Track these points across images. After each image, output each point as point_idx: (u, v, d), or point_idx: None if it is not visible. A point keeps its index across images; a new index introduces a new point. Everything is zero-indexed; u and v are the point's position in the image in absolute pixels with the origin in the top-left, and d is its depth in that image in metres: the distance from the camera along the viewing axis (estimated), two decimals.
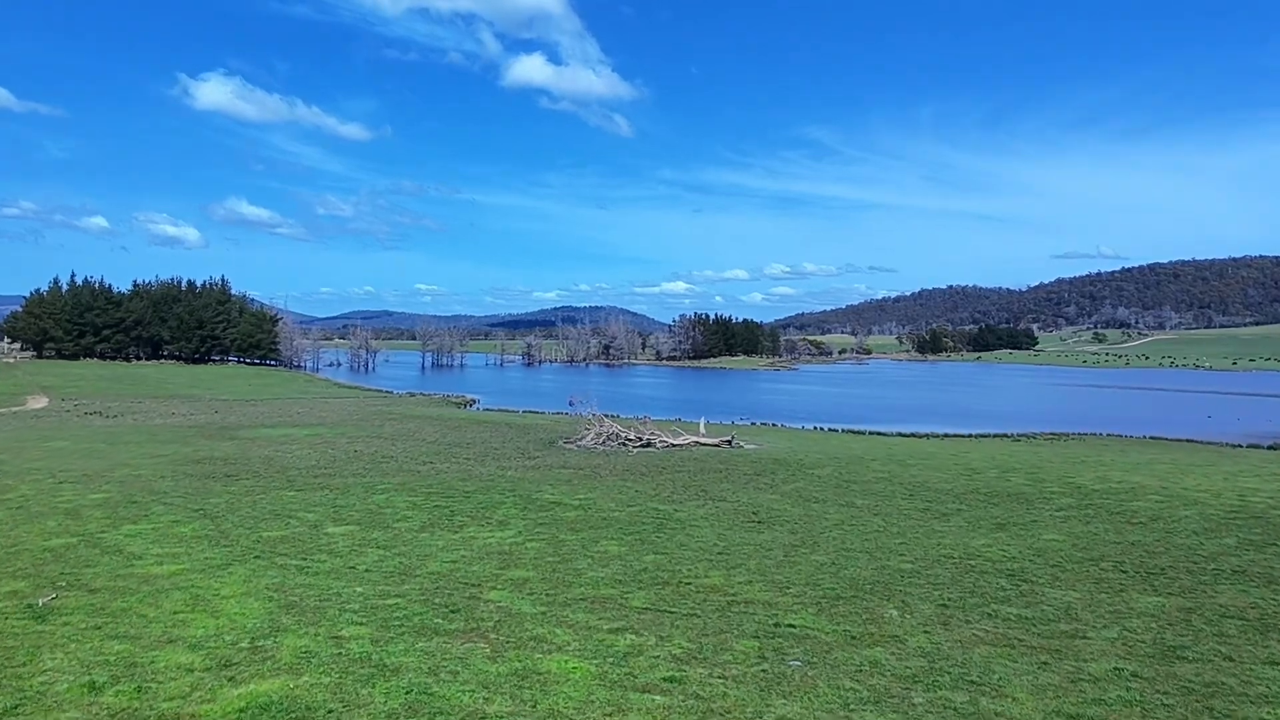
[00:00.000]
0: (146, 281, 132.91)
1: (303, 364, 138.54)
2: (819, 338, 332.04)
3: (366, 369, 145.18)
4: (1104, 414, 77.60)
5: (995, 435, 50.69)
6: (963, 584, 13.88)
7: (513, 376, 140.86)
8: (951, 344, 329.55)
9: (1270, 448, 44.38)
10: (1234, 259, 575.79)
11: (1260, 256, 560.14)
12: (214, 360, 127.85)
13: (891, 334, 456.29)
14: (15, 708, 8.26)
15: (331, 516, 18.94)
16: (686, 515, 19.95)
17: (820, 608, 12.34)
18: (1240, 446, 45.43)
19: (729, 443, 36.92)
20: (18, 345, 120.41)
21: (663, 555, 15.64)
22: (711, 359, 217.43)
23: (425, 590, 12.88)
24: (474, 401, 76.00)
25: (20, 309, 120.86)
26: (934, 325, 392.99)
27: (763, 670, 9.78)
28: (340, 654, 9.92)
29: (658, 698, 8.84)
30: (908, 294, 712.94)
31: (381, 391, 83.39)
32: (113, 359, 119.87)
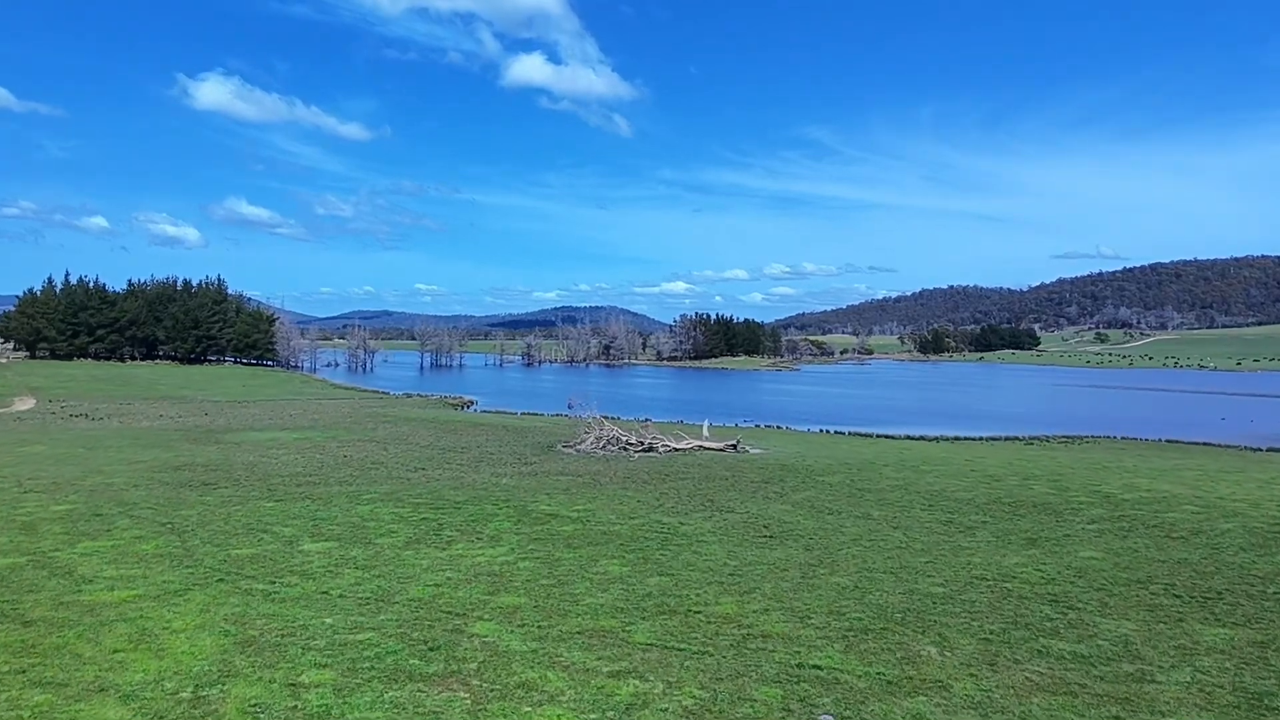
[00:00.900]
0: (142, 281, 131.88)
1: (300, 364, 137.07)
2: (820, 338, 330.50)
3: (364, 369, 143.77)
4: (1114, 416, 76.16)
5: (1006, 438, 49.29)
6: (1003, 612, 12.47)
7: (512, 377, 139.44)
8: (954, 344, 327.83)
9: None
10: (1236, 259, 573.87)
11: (1262, 256, 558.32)
12: (210, 360, 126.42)
13: (892, 334, 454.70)
14: None
15: (310, 531, 17.53)
16: (693, 529, 18.55)
17: (848, 643, 10.93)
18: (1261, 450, 44.04)
19: (734, 447, 35.52)
20: (10, 345, 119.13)
21: (668, 577, 14.23)
22: (712, 359, 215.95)
23: (403, 621, 11.48)
24: (472, 403, 74.59)
25: (14, 308, 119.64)
26: (935, 325, 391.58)
27: None
28: (295, 708, 8.52)
29: None
30: (908, 294, 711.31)
31: (378, 393, 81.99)
32: (107, 359, 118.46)
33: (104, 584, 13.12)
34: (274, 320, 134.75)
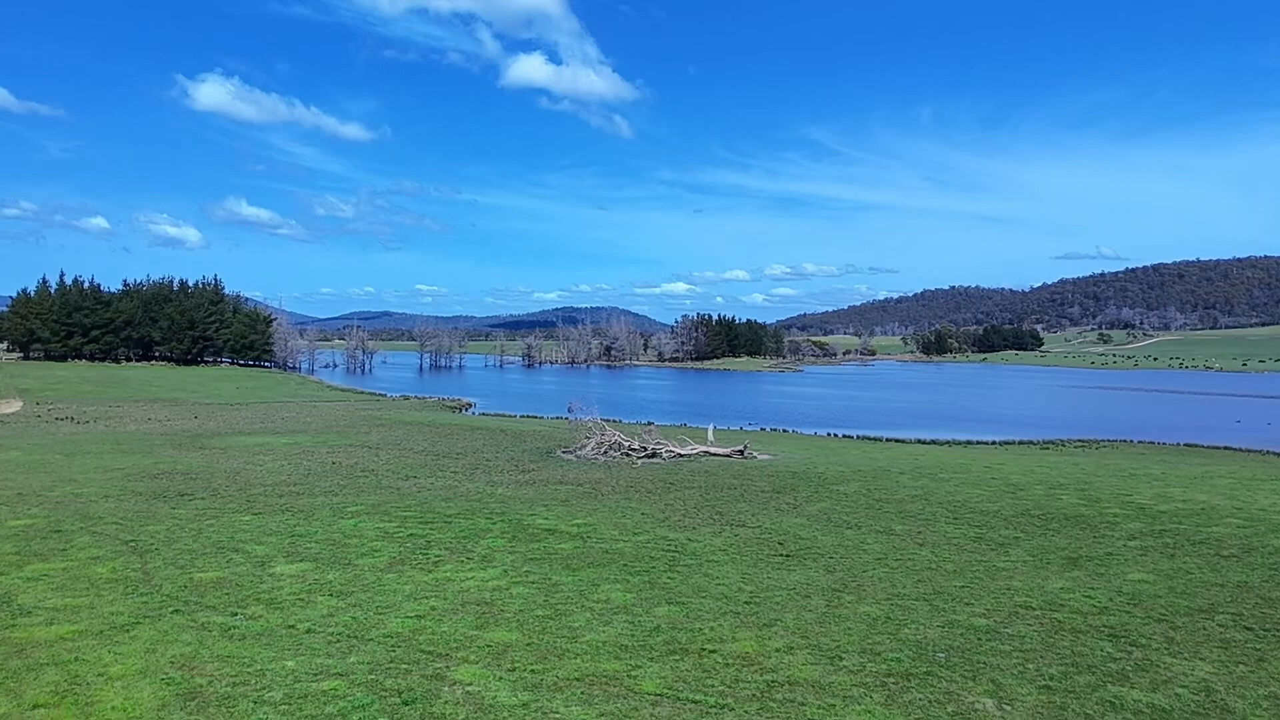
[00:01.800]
0: (138, 281, 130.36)
1: (298, 365, 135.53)
2: (822, 338, 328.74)
3: (363, 370, 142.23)
4: (1126, 418, 74.64)
5: (1020, 442, 47.82)
6: (1059, 650, 11.00)
7: (512, 378, 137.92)
8: (957, 345, 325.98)
9: None
10: (1239, 259, 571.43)
11: (1265, 257, 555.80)
12: (206, 362, 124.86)
13: (894, 335, 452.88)
14: None
15: (285, 550, 16.07)
16: (702, 547, 17.08)
17: (888, 693, 9.46)
18: None
19: (741, 453, 34.06)
20: (4, 346, 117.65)
21: (678, 606, 12.77)
22: (714, 360, 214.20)
23: (376, 665, 10.01)
24: (470, 405, 73.10)
25: (7, 309, 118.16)
26: (937, 326, 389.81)
27: None
28: None
29: None
30: (910, 294, 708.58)
31: (375, 395, 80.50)
32: (102, 360, 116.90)
33: (43, 617, 11.66)
34: (271, 321, 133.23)
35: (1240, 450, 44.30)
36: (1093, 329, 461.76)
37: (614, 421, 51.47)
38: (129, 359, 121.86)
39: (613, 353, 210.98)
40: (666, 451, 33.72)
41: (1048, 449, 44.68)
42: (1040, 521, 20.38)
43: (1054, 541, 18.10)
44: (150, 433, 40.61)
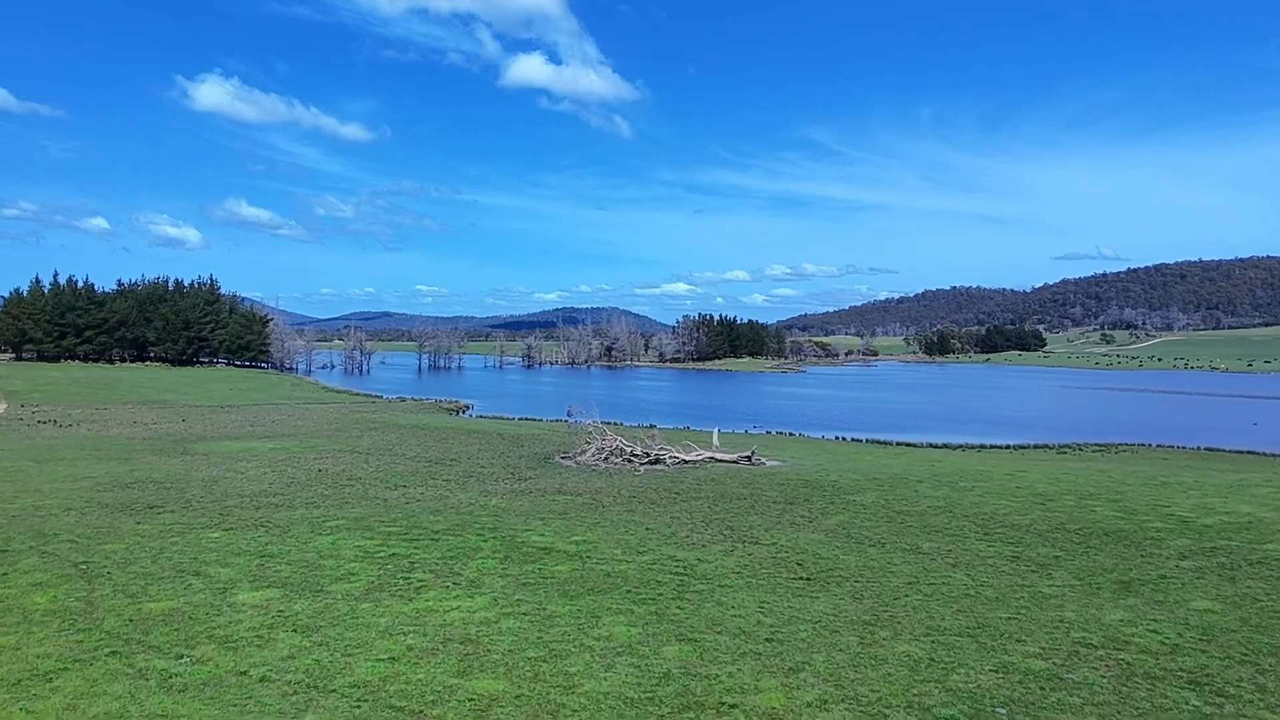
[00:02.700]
0: (132, 281, 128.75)
1: (294, 366, 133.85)
2: (824, 339, 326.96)
3: (361, 371, 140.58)
4: (1139, 420, 73.05)
5: (1035, 446, 46.24)
6: (1136, 703, 9.41)
7: (511, 379, 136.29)
8: (959, 345, 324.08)
9: None
10: (1241, 259, 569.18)
11: (1268, 257, 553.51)
12: (202, 362, 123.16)
13: (895, 335, 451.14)
14: None
15: (252, 573, 14.50)
16: (713, 568, 15.49)
17: None
18: None
19: (749, 459, 32.47)
20: None
21: (690, 644, 11.18)
22: (716, 361, 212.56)
23: None
24: (467, 407, 71.50)
25: None
26: (939, 326, 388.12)
27: None
28: None
29: None
30: (911, 295, 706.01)
31: (370, 396, 78.90)
32: (96, 361, 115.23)
33: None
34: (268, 321, 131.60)
35: (1266, 455, 42.72)
36: (1095, 329, 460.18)
37: (615, 424, 49.88)
38: (123, 360, 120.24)
39: (613, 353, 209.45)
40: (670, 457, 32.16)
41: (1065, 453, 43.09)
42: (1079, 537, 18.80)
43: (1099, 561, 16.51)
44: (133, 437, 39.04)
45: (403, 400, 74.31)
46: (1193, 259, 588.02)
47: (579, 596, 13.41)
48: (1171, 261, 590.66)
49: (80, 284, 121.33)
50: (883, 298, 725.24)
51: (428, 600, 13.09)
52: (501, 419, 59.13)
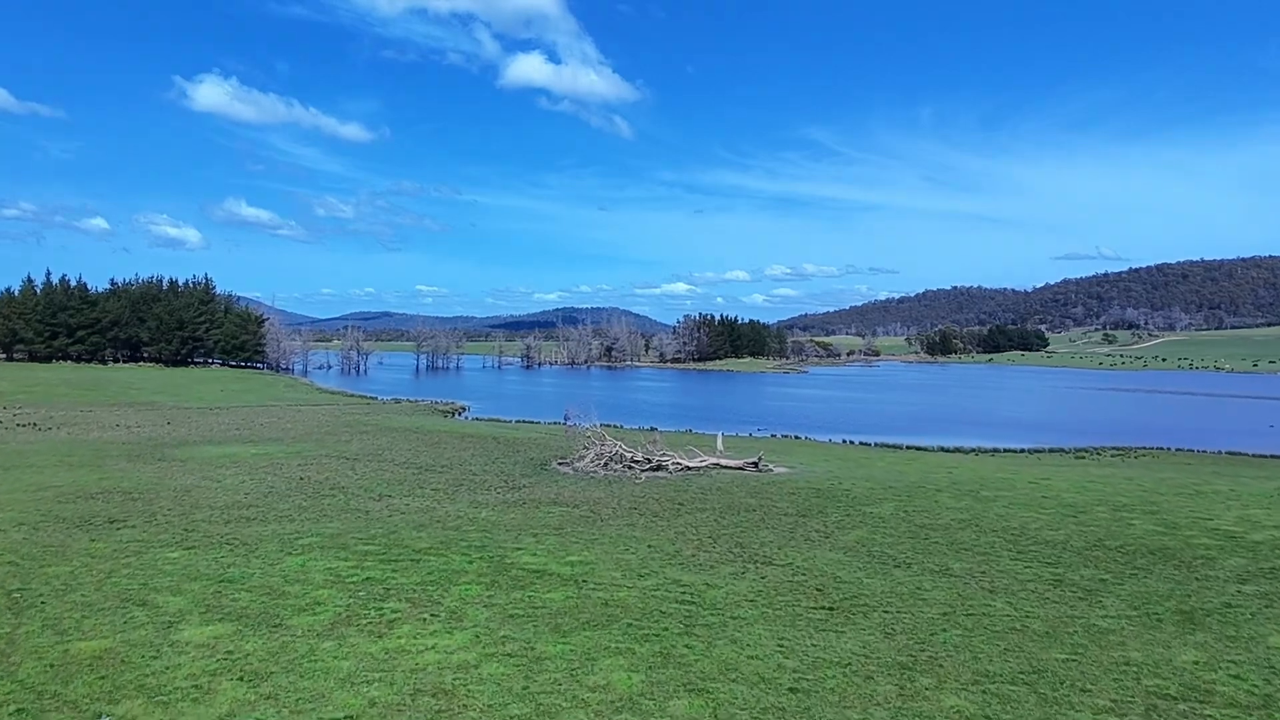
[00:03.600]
0: (126, 280, 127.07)
1: (290, 367, 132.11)
2: (825, 339, 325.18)
3: (358, 372, 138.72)
4: (1152, 422, 71.40)
5: (1051, 450, 44.57)
6: None
7: (510, 380, 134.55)
8: (961, 345, 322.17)
9: None
10: (1243, 259, 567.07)
11: (1270, 257, 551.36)
12: (196, 363, 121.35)
13: (896, 335, 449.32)
14: None
15: (205, 603, 12.87)
16: (724, 595, 13.87)
17: None
18: None
19: (755, 465, 30.85)
20: None
21: (702, 696, 9.56)
22: (717, 361, 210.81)
23: None
24: (463, 409, 69.87)
25: None
26: (940, 326, 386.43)
27: None
28: None
29: None
30: (911, 295, 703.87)
31: (365, 397, 77.20)
32: (88, 362, 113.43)
33: None
34: (263, 321, 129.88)
35: None
36: (1097, 329, 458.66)
37: (614, 427, 48.28)
38: (116, 360, 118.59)
39: (613, 353, 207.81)
40: (673, 464, 30.54)
41: (1084, 458, 41.45)
42: (1122, 556, 17.17)
43: (1151, 586, 14.88)
44: (112, 441, 37.41)
45: (397, 402, 72.67)
46: (1194, 259, 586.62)
47: (573, 633, 11.78)
48: (1173, 261, 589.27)
49: (73, 283, 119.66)
50: (883, 298, 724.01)
51: (400, 637, 11.46)
52: (498, 421, 57.51)
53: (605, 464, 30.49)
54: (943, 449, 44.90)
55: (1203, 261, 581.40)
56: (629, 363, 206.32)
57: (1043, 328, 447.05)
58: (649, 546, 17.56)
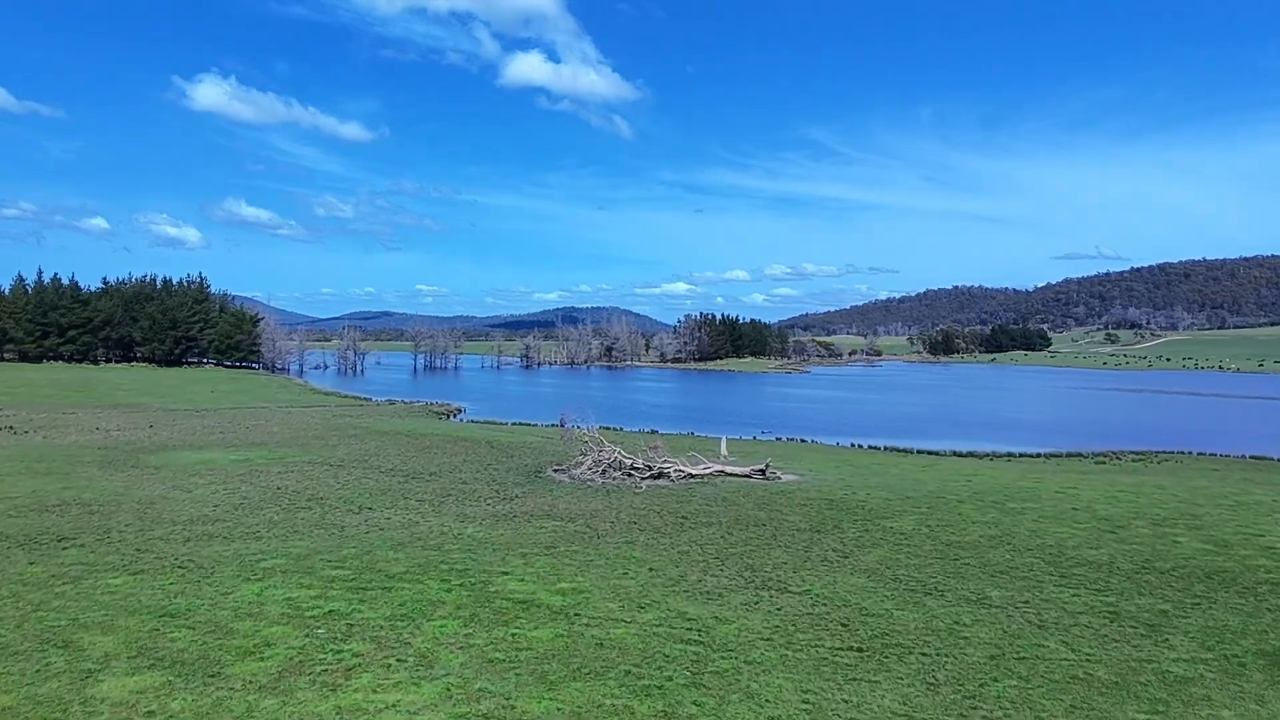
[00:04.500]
0: (119, 279, 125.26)
1: (286, 367, 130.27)
2: (827, 339, 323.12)
3: (354, 372, 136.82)
4: (1166, 424, 69.60)
5: (1069, 454, 42.79)
6: None
7: (509, 381, 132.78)
8: (964, 345, 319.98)
9: None
10: (1245, 259, 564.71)
11: (1272, 256, 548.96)
12: (190, 363, 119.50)
13: (897, 335, 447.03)
14: None
15: (138, 645, 11.13)
16: (736, 633, 12.12)
17: None
18: None
19: (763, 473, 29.08)
20: None
21: None
22: (718, 361, 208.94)
23: None
24: (459, 411, 68.14)
25: None
26: (942, 326, 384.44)
27: None
28: None
29: None
30: (912, 294, 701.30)
31: (359, 399, 75.42)
32: (80, 362, 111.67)
33: None
34: (259, 320, 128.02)
35: None
36: (1099, 329, 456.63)
37: (614, 430, 46.54)
38: (108, 360, 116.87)
39: (614, 353, 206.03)
40: (675, 471, 28.78)
41: (1104, 463, 39.68)
42: (1178, 581, 15.41)
43: (1219, 619, 13.13)
44: (88, 445, 35.66)
45: (391, 403, 70.92)
46: (1196, 258, 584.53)
47: (561, 684, 10.03)
48: (1175, 260, 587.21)
49: (65, 282, 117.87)
50: (884, 297, 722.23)
51: (357, 691, 9.72)
52: (493, 424, 55.75)
53: (603, 471, 28.74)
54: (956, 453, 43.12)
55: (1205, 261, 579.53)
56: (629, 363, 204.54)
57: (1044, 327, 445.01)
58: (650, 569, 15.81)
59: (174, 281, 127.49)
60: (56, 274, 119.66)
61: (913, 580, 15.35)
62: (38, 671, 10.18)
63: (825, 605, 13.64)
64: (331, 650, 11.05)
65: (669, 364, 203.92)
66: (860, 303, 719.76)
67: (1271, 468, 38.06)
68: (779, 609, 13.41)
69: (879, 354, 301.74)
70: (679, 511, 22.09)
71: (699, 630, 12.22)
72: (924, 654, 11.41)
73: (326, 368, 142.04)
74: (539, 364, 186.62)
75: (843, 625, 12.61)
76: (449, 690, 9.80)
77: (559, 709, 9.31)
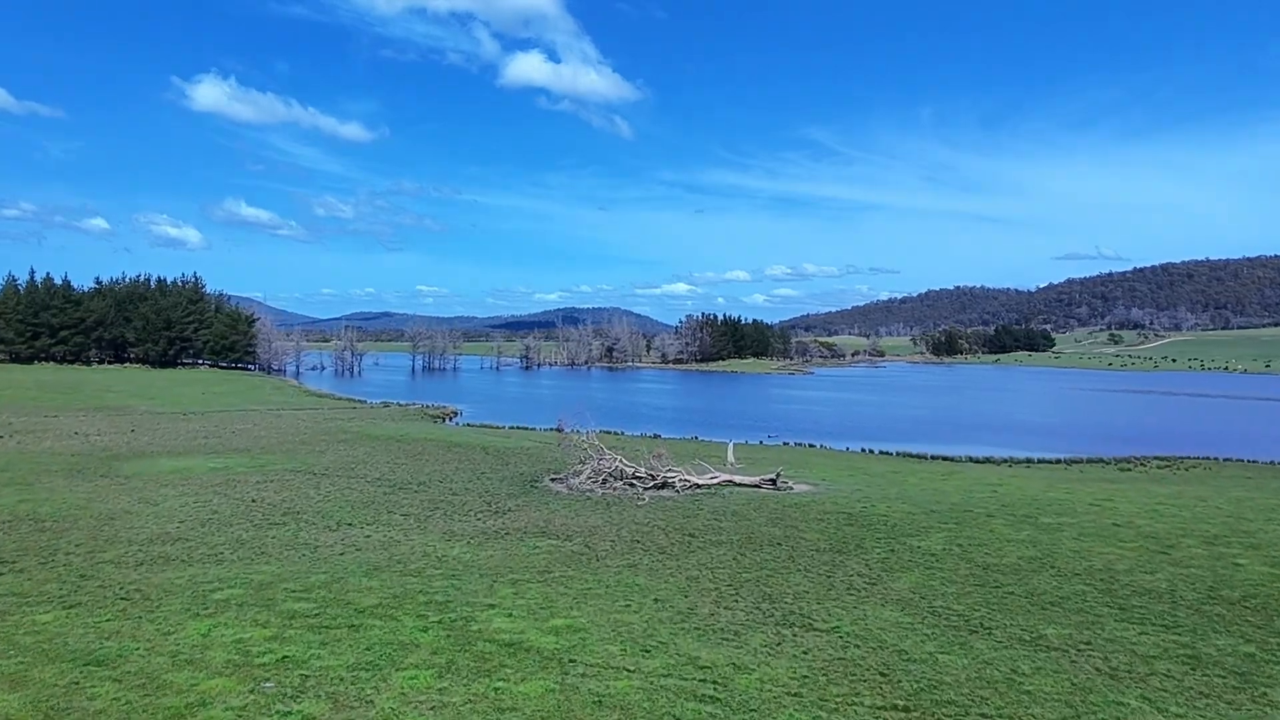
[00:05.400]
0: (112, 279, 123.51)
1: (282, 368, 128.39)
2: (829, 339, 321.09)
3: (351, 373, 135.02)
4: (1183, 428, 67.74)
5: (1091, 460, 40.93)
6: None
7: (508, 382, 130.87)
8: (967, 345, 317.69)
9: None
10: (1249, 259, 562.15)
11: (1276, 256, 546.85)
12: (184, 364, 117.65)
13: (899, 335, 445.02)
14: None
15: (47, 706, 9.35)
16: (757, 686, 10.30)
17: None
18: None
19: (774, 483, 27.28)
20: None
21: None
22: (720, 362, 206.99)
23: None
24: (455, 414, 66.37)
25: None
26: (944, 326, 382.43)
27: None
28: None
29: None
30: (914, 295, 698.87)
31: (353, 401, 73.60)
32: (71, 363, 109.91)
33: None
34: (254, 321, 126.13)
35: None
36: (1102, 329, 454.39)
37: (614, 435, 44.77)
38: (101, 361, 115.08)
39: (614, 354, 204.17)
40: (680, 481, 26.98)
41: (1128, 469, 37.85)
42: (1256, 615, 13.59)
43: None
44: (60, 452, 33.87)
45: (386, 406, 69.11)
46: (1199, 258, 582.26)
47: None
48: (1177, 261, 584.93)
49: (57, 282, 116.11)
50: (885, 298, 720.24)
51: None
52: (489, 428, 53.95)
53: (604, 481, 26.94)
54: (972, 459, 41.28)
55: (1207, 261, 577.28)
56: (630, 363, 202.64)
57: (1047, 328, 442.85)
58: (655, 600, 14.00)
59: (168, 281, 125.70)
60: (49, 274, 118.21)
61: (953, 614, 13.53)
62: None
63: (858, 647, 11.82)
64: (278, 713, 9.25)
65: (670, 365, 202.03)
66: (861, 303, 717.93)
67: None
68: (805, 652, 11.60)
69: (882, 355, 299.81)
70: (685, 528, 20.28)
71: (714, 682, 10.41)
72: (983, 714, 9.59)
73: (323, 369, 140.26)
74: (539, 365, 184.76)
75: (881, 675, 10.80)
76: None
77: None
